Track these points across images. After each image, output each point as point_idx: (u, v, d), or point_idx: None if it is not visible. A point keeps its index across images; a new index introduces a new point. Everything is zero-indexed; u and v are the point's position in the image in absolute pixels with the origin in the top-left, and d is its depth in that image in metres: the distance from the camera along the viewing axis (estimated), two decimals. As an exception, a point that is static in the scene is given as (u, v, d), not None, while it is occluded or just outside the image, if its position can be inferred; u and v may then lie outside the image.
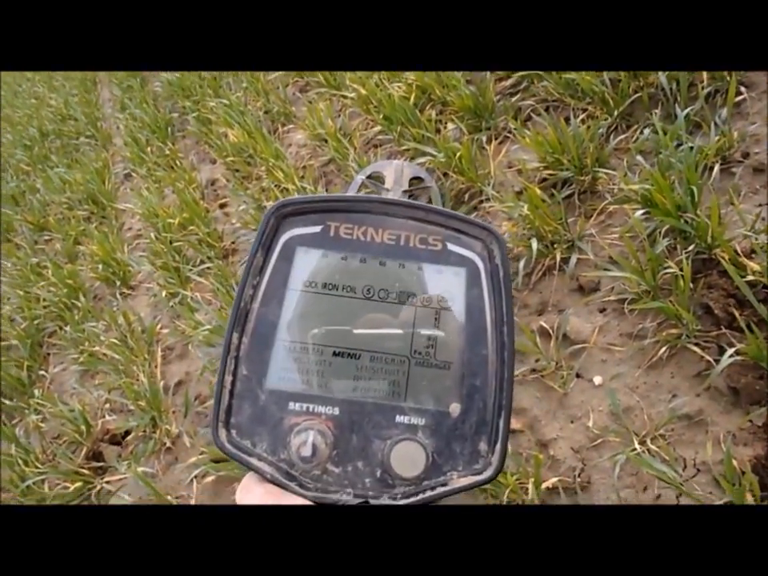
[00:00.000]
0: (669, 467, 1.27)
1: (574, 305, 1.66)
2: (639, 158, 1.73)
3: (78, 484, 2.09)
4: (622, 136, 1.86)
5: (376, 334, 0.46)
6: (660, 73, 1.83)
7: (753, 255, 1.41)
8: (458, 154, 2.03)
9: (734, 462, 1.20)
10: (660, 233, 1.56)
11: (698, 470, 1.28)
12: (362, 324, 0.46)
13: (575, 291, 1.69)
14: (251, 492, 0.42)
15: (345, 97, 2.83)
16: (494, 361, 0.45)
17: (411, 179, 1.95)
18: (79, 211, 3.67)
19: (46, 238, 3.74)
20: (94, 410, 2.42)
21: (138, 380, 2.30)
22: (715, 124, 1.67)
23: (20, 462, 2.25)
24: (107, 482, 2.10)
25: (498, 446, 0.44)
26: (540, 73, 2.14)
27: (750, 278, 1.36)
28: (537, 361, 1.59)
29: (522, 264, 1.77)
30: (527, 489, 1.38)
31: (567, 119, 1.92)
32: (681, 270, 1.42)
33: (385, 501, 0.43)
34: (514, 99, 2.24)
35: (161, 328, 2.59)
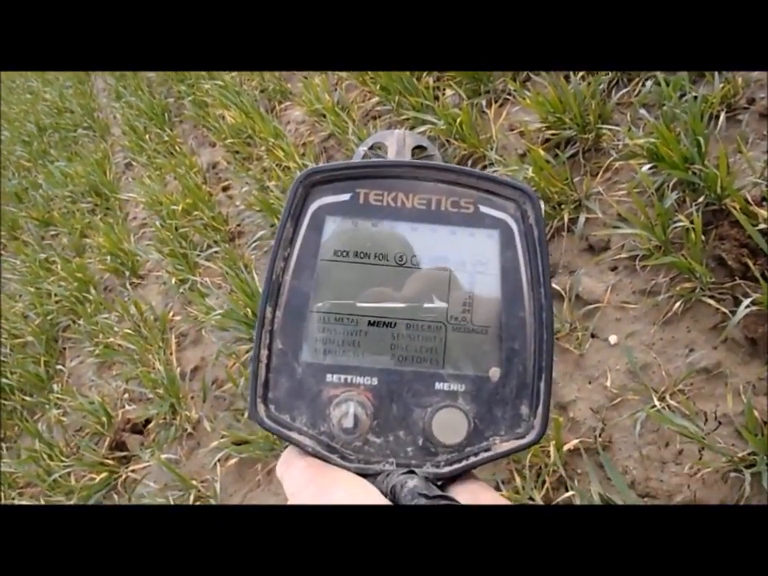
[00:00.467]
0: (690, 422, 1.27)
1: (585, 265, 1.64)
2: (643, 111, 1.70)
3: (104, 474, 2.12)
4: (624, 90, 1.83)
5: (410, 301, 0.45)
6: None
7: (763, 203, 1.40)
8: (459, 120, 2.01)
9: (755, 413, 1.19)
10: (668, 186, 1.54)
11: (720, 422, 1.28)
12: (396, 292, 0.45)
13: (585, 251, 1.68)
14: (292, 465, 0.42)
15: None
16: (531, 323, 0.44)
17: (414, 148, 1.94)
18: (83, 204, 3.67)
19: (52, 233, 3.74)
20: (113, 401, 2.44)
21: (154, 368, 2.31)
22: (719, 71, 1.64)
23: (45, 456, 2.28)
24: (132, 471, 2.13)
25: (540, 409, 0.43)
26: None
27: (762, 226, 1.34)
28: (551, 323, 1.59)
29: (530, 227, 1.75)
30: (549, 452, 1.38)
31: (567, 77, 1.89)
32: (691, 222, 1.41)
33: (428, 469, 0.43)
34: (511, 60, 2.20)
35: (173, 315, 2.60)
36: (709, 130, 1.54)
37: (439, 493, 0.39)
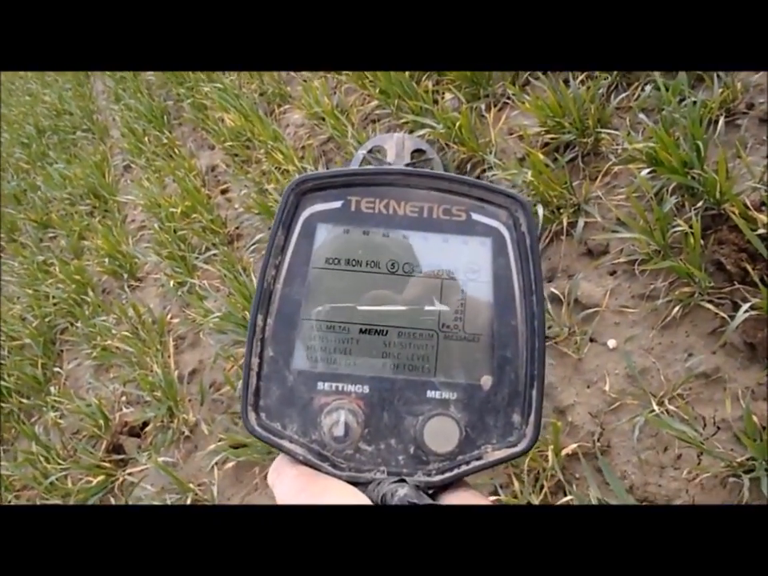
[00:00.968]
0: (689, 426, 1.27)
1: (584, 269, 1.64)
2: (642, 115, 1.70)
3: (101, 477, 2.11)
4: (623, 94, 1.83)
5: (402, 309, 0.45)
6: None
7: (762, 208, 1.39)
8: (458, 124, 2.01)
9: (754, 418, 1.19)
10: (667, 191, 1.54)
11: (718, 427, 1.28)
12: (387, 300, 0.45)
13: (584, 255, 1.68)
14: (283, 473, 0.42)
15: (339, 73, 2.79)
16: (523, 331, 0.44)
17: (413, 152, 1.94)
18: (81, 206, 3.66)
19: (51, 235, 3.73)
20: (110, 404, 2.44)
21: (152, 371, 2.31)
22: (718, 76, 1.64)
23: (41, 459, 2.27)
24: (129, 474, 2.12)
25: (532, 417, 0.44)
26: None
27: (762, 231, 1.34)
28: (549, 327, 1.59)
29: (528, 231, 1.75)
30: (547, 456, 1.38)
31: (566, 81, 1.89)
32: (690, 227, 1.40)
33: (420, 477, 0.43)
34: (510, 64, 2.20)
35: (171, 318, 2.59)
36: (708, 135, 1.54)
37: (429, 501, 0.39)
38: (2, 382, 2.79)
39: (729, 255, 1.39)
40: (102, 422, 2.30)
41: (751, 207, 1.39)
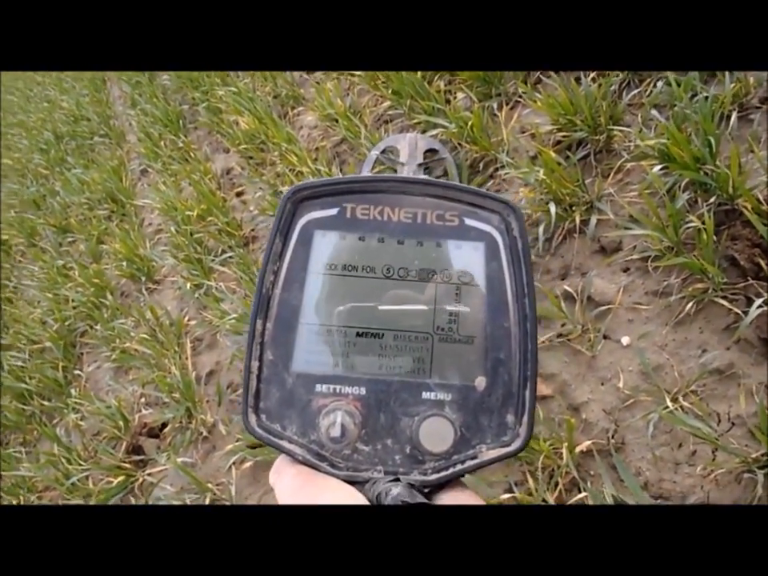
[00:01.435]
0: (703, 423, 1.26)
1: (597, 266, 1.64)
2: (654, 112, 1.70)
3: (121, 478, 2.14)
4: (635, 91, 1.82)
5: (398, 312, 0.46)
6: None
7: (776, 203, 1.39)
8: (470, 123, 2.01)
9: (769, 413, 1.19)
10: (680, 187, 1.53)
11: (733, 423, 1.28)
12: (383, 303, 0.46)
13: (597, 253, 1.68)
14: (283, 473, 0.43)
15: (352, 75, 2.81)
16: (516, 333, 0.45)
17: (425, 152, 1.94)
18: (99, 210, 3.71)
19: (70, 239, 3.78)
20: (130, 405, 2.47)
21: (170, 372, 2.33)
22: (730, 71, 1.63)
23: (63, 460, 2.31)
24: (149, 474, 2.15)
25: (525, 417, 0.44)
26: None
27: (775, 226, 1.33)
28: (563, 325, 1.59)
29: (541, 229, 1.75)
30: (561, 454, 1.38)
31: (578, 79, 1.89)
32: (703, 223, 1.40)
33: (416, 477, 0.44)
34: (522, 63, 2.20)
35: (188, 320, 2.62)
36: (720, 130, 1.53)
37: (421, 500, 0.40)
38: (24, 385, 2.84)
39: (742, 251, 1.38)
40: (121, 423, 2.33)
41: (764, 202, 1.38)
